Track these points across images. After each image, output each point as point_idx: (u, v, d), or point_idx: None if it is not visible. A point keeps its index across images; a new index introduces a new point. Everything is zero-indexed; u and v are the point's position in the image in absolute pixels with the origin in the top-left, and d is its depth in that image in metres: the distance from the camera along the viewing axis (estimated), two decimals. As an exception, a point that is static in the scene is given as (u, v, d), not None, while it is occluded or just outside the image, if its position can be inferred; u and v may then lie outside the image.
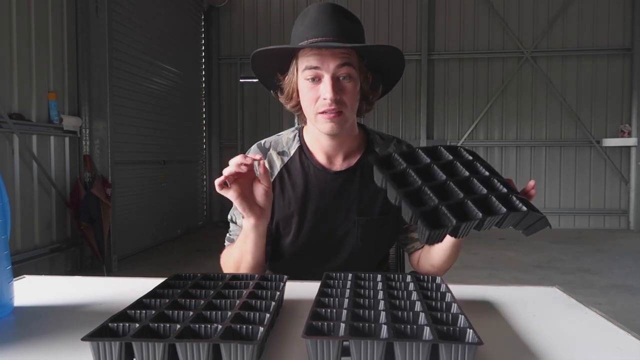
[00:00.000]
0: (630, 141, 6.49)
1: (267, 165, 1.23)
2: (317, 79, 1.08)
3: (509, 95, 6.90)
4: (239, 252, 1.14)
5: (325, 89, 1.06)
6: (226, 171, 0.96)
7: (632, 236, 6.33)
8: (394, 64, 1.20)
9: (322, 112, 1.09)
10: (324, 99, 1.07)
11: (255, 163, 1.03)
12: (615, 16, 6.68)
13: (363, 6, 6.99)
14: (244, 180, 1.01)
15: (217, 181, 0.97)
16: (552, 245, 5.63)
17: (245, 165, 0.95)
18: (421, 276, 0.96)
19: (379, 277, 0.93)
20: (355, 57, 1.10)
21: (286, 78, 1.16)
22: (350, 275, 0.94)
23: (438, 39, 6.96)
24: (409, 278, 0.93)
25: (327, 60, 1.06)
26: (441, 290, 0.88)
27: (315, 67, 1.07)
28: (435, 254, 1.18)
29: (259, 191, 1.03)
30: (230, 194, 0.99)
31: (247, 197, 1.02)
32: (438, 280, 0.93)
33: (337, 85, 1.07)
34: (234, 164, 0.96)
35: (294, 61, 1.12)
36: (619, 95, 6.70)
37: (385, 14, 7.03)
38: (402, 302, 0.80)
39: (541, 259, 4.92)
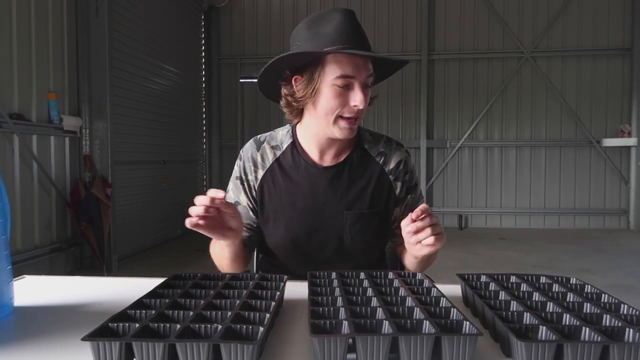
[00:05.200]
0: (630, 141, 6.48)
1: (259, 159, 1.27)
2: (347, 86, 1.11)
3: (509, 95, 6.89)
4: (219, 256, 1.23)
5: (359, 97, 1.09)
6: (194, 212, 0.97)
7: (632, 236, 6.32)
8: (393, 72, 1.27)
9: (345, 118, 1.13)
10: (355, 105, 1.10)
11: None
12: (615, 16, 6.67)
13: (363, 6, 6.98)
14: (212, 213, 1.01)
15: (188, 221, 0.97)
16: (552, 245, 5.63)
17: (214, 208, 0.97)
18: (402, 272, 0.99)
19: (362, 274, 0.96)
20: (371, 67, 1.14)
21: (303, 80, 1.14)
22: (333, 273, 0.96)
23: (438, 39, 6.96)
24: (391, 275, 0.96)
25: (361, 70, 1.10)
26: (425, 285, 0.91)
27: (351, 76, 1.09)
28: (408, 263, 1.23)
29: (227, 216, 1.04)
30: (202, 231, 1.00)
31: (218, 225, 1.04)
32: (419, 276, 0.96)
33: (364, 93, 1.11)
34: (202, 207, 0.96)
35: (320, 64, 1.11)
36: (618, 95, 6.70)
37: (385, 14, 7.03)
38: (393, 298, 0.82)
39: (541, 259, 4.92)
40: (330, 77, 1.10)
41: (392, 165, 1.28)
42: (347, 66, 1.09)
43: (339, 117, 1.13)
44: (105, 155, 4.44)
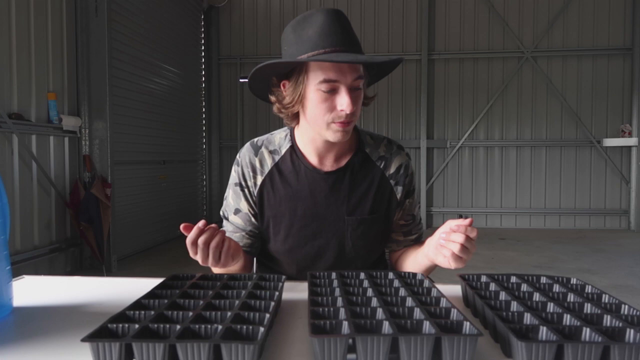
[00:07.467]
0: (631, 141, 6.48)
1: (258, 164, 1.24)
2: (332, 90, 1.06)
3: (509, 95, 6.89)
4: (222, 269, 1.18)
5: (345, 101, 1.05)
6: (190, 247, 0.96)
7: (633, 236, 6.32)
8: (392, 69, 1.20)
9: (336, 122, 1.08)
10: (342, 110, 1.06)
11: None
12: (615, 16, 6.67)
13: (363, 6, 6.98)
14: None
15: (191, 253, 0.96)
16: (552, 245, 5.63)
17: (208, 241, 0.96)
18: (403, 273, 0.98)
19: (362, 274, 0.95)
20: (362, 68, 1.09)
21: (290, 85, 1.11)
22: (334, 273, 0.96)
23: (438, 39, 6.96)
24: (391, 275, 0.96)
25: (345, 73, 1.05)
26: (425, 285, 0.91)
27: (335, 80, 1.05)
28: (410, 268, 1.22)
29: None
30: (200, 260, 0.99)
31: (221, 254, 1.00)
32: (419, 276, 0.96)
33: (352, 96, 1.06)
34: (194, 245, 0.96)
35: (304, 69, 1.08)
36: (619, 95, 6.70)
37: (385, 14, 7.03)
38: (393, 298, 0.81)
39: (541, 259, 4.92)
40: (314, 82, 1.06)
41: (392, 169, 1.26)
42: (330, 70, 1.04)
43: (331, 122, 1.08)
44: (105, 155, 4.44)
